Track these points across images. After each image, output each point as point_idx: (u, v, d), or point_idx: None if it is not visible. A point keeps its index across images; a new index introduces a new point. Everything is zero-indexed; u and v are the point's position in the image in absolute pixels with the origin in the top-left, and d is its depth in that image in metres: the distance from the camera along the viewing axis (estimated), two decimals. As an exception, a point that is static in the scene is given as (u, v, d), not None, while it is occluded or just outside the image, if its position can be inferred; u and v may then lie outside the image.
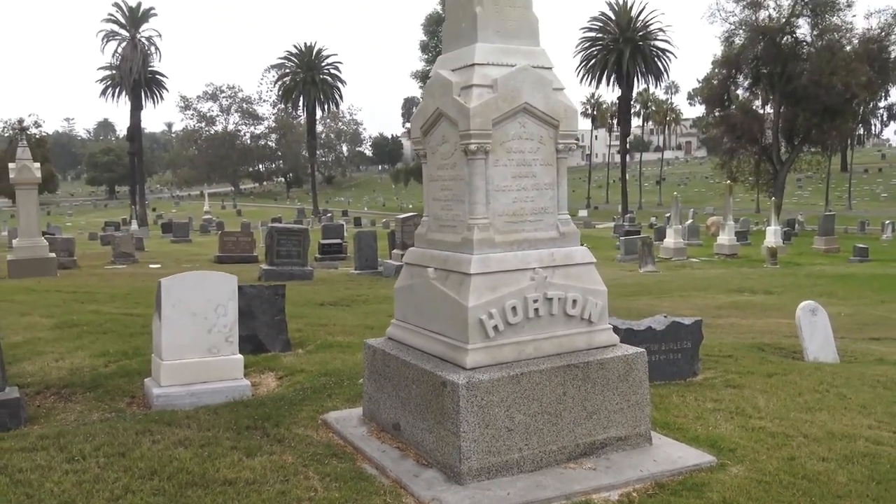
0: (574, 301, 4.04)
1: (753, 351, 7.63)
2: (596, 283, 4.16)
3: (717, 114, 52.69)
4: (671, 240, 26.98)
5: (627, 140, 74.14)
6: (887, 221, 43.86)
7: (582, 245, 4.24)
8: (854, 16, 48.12)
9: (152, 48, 68.87)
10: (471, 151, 3.81)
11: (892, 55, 50.77)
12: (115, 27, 68.23)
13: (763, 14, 47.95)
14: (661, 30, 66.29)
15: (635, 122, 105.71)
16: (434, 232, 4.29)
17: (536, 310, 3.93)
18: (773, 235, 28.36)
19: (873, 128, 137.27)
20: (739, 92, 53.75)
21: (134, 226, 47.21)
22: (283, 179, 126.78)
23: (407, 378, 4.13)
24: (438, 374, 3.80)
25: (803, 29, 48.23)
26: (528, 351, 3.90)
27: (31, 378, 6.05)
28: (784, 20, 47.08)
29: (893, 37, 49.55)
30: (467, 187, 3.89)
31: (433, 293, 4.09)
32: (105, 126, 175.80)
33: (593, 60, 67.46)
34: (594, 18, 68.44)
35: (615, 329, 5.71)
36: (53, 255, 17.97)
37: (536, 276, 3.94)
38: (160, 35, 70.44)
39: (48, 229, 29.18)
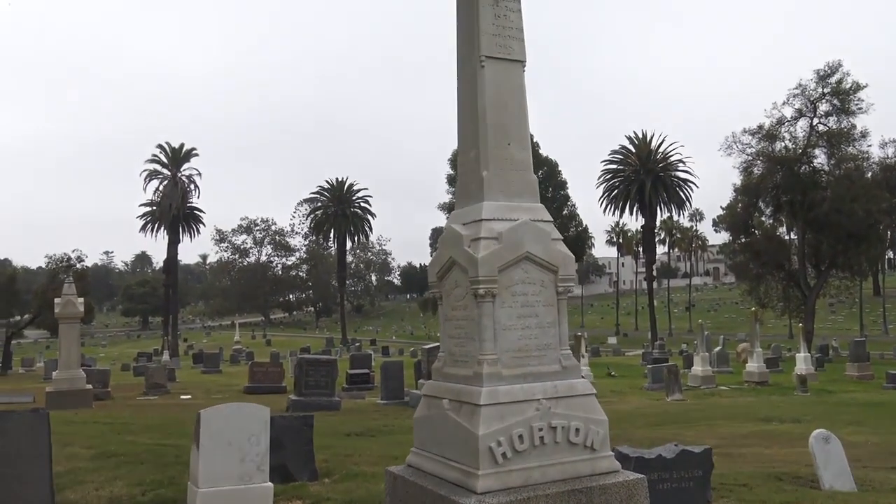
0: (577, 430, 4.40)
1: (770, 480, 7.73)
2: (597, 413, 4.53)
3: (741, 240, 53.27)
4: (699, 367, 26.84)
5: (654, 267, 74.85)
6: (923, 347, 43.21)
7: (582, 378, 4.65)
8: (870, 145, 49.61)
9: (192, 186, 72.36)
10: (480, 295, 4.33)
11: (915, 180, 51.64)
12: (158, 166, 72.07)
13: (779, 145, 49.40)
14: (681, 161, 68.42)
15: (661, 249, 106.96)
16: (449, 366, 4.75)
17: (542, 438, 4.30)
18: (802, 362, 28.09)
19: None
20: (763, 219, 54.57)
21: (166, 356, 47.97)
22: (312, 309, 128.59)
23: (424, 503, 4.45)
24: (452, 499, 4.13)
25: (820, 159, 49.46)
26: (535, 476, 4.24)
27: (74, 506, 6.41)
28: (801, 151, 48.37)
29: (911, 164, 50.55)
30: (477, 327, 4.38)
31: (448, 422, 4.49)
32: (142, 259, 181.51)
33: (616, 191, 69.35)
34: (615, 151, 70.99)
35: (626, 457, 5.99)
36: (90, 386, 18.55)
37: (541, 406, 4.34)
38: (200, 173, 73.90)
39: (83, 361, 29.97)
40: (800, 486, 7.63)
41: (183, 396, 21.42)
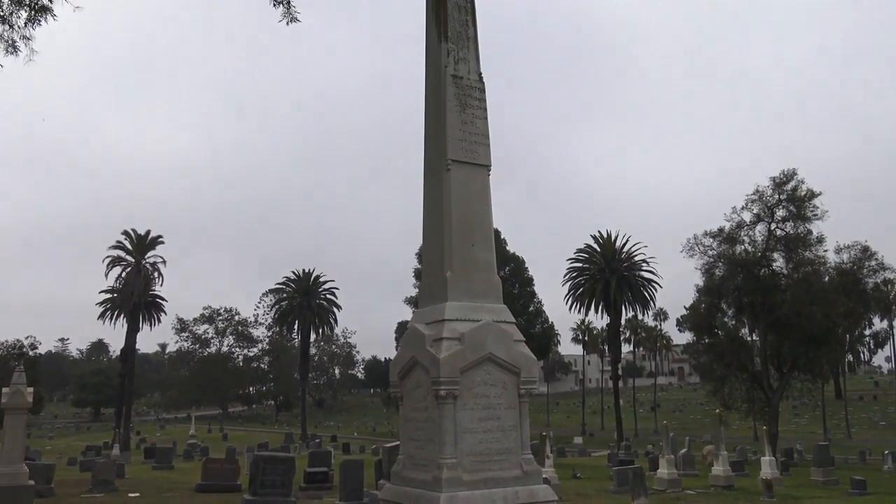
0: (538, 539, 4.27)
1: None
2: (558, 522, 4.41)
3: (705, 341, 53.61)
4: (664, 470, 26.46)
5: (620, 366, 74.93)
6: (887, 452, 43.17)
7: (545, 483, 4.54)
8: (826, 250, 51.23)
9: (155, 273, 71.27)
10: (441, 396, 4.26)
11: (869, 285, 53.09)
12: (122, 253, 70.97)
13: (739, 248, 50.58)
14: (644, 261, 69.69)
15: (626, 347, 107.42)
16: (408, 470, 4.61)
17: (502, 548, 4.15)
18: (768, 466, 27.86)
19: (862, 355, 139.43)
20: (726, 320, 55.16)
21: (116, 450, 45.98)
22: (272, 402, 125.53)
23: None
24: None
25: (779, 262, 50.62)
26: (494, 590, 4.07)
27: None
28: (760, 254, 49.54)
29: (866, 269, 52.09)
30: (438, 429, 4.29)
31: (405, 531, 4.32)
32: (98, 347, 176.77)
33: (581, 289, 70.11)
34: (580, 250, 72.16)
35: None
36: (32, 482, 17.59)
37: (501, 514, 4.21)
38: (164, 261, 72.78)
39: (28, 454, 28.58)
40: None
41: (131, 494, 20.43)
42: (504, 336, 4.53)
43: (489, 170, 4.97)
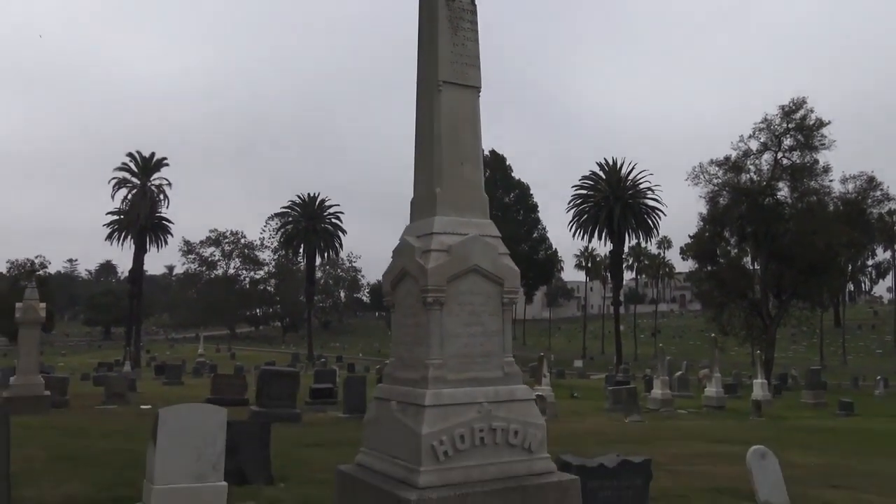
0: (516, 432, 4.70)
1: (710, 493, 8.08)
2: (535, 417, 4.83)
3: (707, 269, 54.09)
4: (658, 391, 27.34)
5: (622, 292, 75.89)
6: (879, 377, 44.23)
7: (523, 385, 4.93)
8: (832, 180, 51.22)
9: (161, 196, 71.54)
10: (428, 303, 4.62)
11: (874, 216, 53.10)
12: (128, 175, 71.08)
13: (744, 177, 50.46)
14: (649, 189, 69.53)
15: (629, 274, 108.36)
16: (399, 370, 5.02)
17: (482, 438, 4.58)
18: (759, 389, 28.73)
19: (863, 285, 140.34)
20: (728, 248, 55.49)
21: (127, 367, 47.26)
22: (279, 324, 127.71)
23: (370, 498, 4.70)
24: (395, 493, 4.39)
25: (784, 191, 50.57)
26: (474, 474, 4.52)
27: (30, 502, 6.51)
28: (765, 183, 49.46)
29: (871, 200, 52.01)
30: (426, 333, 4.66)
31: (395, 423, 4.75)
32: (107, 268, 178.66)
33: (585, 216, 70.21)
34: (585, 177, 71.95)
35: (568, 465, 6.28)
36: (48, 393, 18.38)
37: (482, 409, 4.62)
38: (170, 183, 72.83)
39: (42, 368, 29.55)
40: (738, 499, 7.98)
41: (143, 406, 21.28)
42: (489, 249, 4.84)
43: (479, 91, 5.17)
